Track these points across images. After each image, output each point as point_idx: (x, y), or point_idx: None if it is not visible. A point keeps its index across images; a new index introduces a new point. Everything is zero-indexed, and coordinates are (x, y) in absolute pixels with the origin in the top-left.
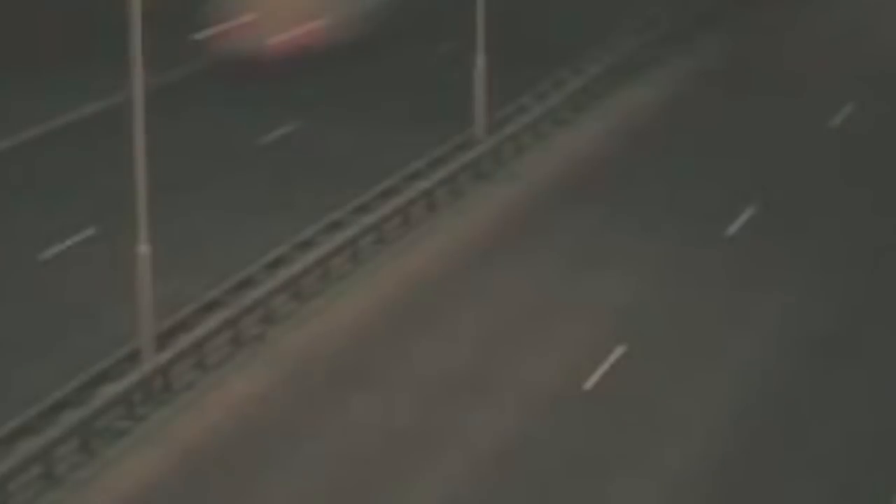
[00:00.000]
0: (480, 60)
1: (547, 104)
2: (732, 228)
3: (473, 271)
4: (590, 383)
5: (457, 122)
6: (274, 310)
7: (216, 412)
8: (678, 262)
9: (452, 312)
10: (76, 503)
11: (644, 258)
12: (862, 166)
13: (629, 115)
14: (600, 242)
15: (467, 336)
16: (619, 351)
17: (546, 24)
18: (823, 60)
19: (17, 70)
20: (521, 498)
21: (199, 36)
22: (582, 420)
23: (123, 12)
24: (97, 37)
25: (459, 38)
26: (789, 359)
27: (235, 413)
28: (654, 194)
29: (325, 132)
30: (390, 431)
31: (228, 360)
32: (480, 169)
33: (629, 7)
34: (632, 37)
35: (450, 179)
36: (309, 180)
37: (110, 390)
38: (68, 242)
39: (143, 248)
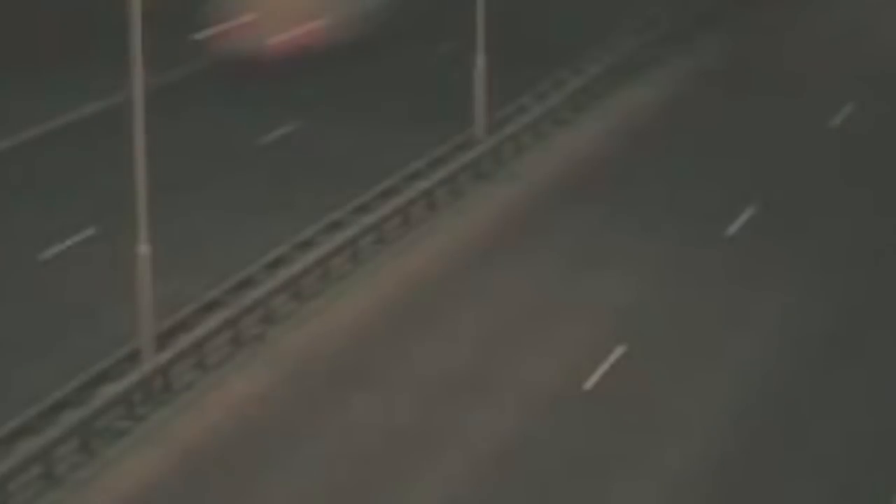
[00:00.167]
0: (480, 60)
1: (547, 104)
2: (732, 228)
3: (473, 271)
4: (590, 383)
5: (457, 122)
6: (274, 310)
7: (216, 412)
8: (678, 262)
9: (452, 312)
10: (76, 503)
11: (644, 258)
12: (862, 166)
13: (629, 115)
14: (600, 242)
15: (467, 336)
16: (619, 351)
17: (546, 24)
18: (823, 60)
19: (17, 70)
20: (521, 498)
21: (200, 36)
22: (582, 420)
23: (123, 12)
24: (97, 37)
25: (459, 38)
26: (789, 359)
27: (235, 413)
28: (654, 194)
29: (325, 132)
30: (390, 431)
31: (228, 360)
32: (480, 169)
33: (629, 7)
34: (632, 37)
35: (450, 179)
36: (309, 180)
37: (110, 390)
38: (68, 242)
39: (143, 248)
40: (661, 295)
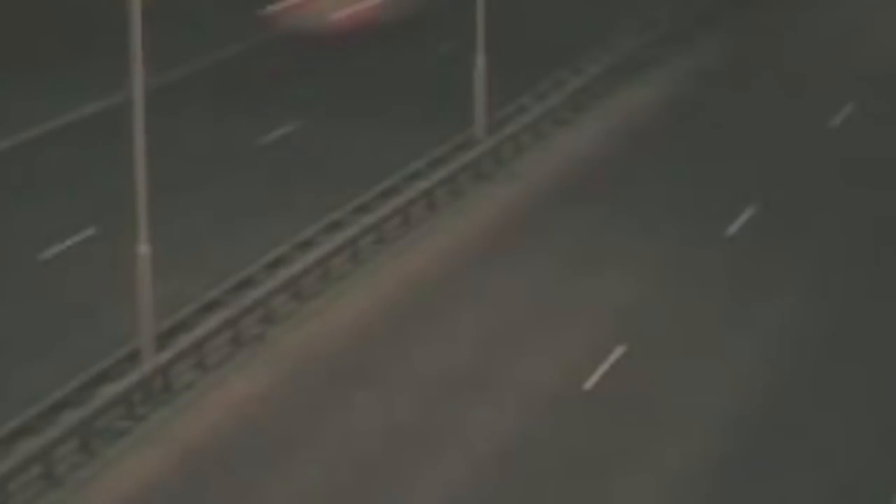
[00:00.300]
0: (480, 60)
1: (547, 104)
2: (732, 228)
3: (473, 271)
4: (590, 383)
5: (457, 122)
6: (274, 310)
7: (216, 412)
8: (678, 262)
9: (453, 312)
10: (76, 503)
11: (644, 258)
12: (862, 166)
13: (629, 115)
14: (600, 242)
15: (467, 336)
16: (619, 351)
17: (546, 24)
18: (823, 60)
19: (17, 70)
20: (521, 498)
21: (265, 12)
22: (582, 420)
23: (124, 10)
24: (97, 35)
25: (459, 38)
26: (789, 359)
27: (235, 413)
28: (653, 194)
29: (325, 132)
30: (390, 431)
31: (228, 360)
32: (480, 169)
33: (629, 7)
34: (632, 37)
35: (450, 179)
36: (309, 180)
37: (110, 390)
38: (68, 242)
39: (143, 248)
40: (662, 295)
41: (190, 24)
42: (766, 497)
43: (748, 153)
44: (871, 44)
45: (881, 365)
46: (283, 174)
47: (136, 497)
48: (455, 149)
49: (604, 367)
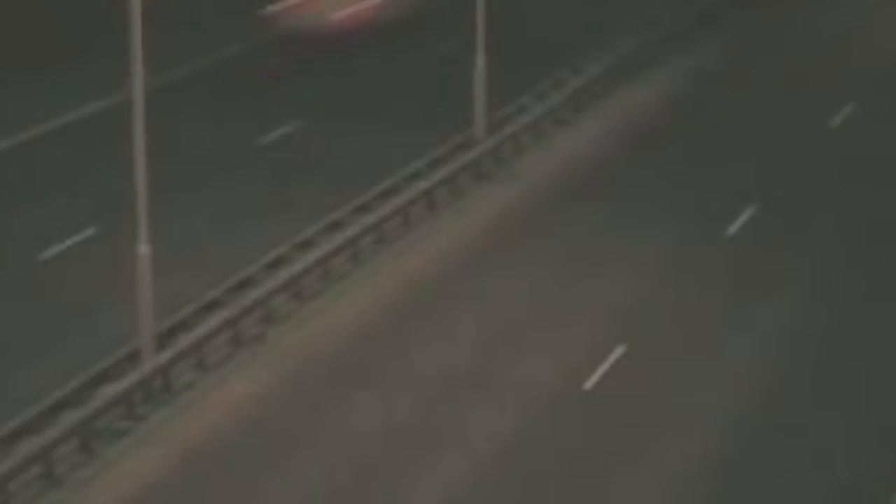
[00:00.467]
0: (480, 60)
1: (547, 104)
2: (732, 228)
3: (473, 271)
4: (590, 383)
5: (457, 122)
6: (274, 310)
7: (216, 412)
8: (678, 262)
9: (453, 312)
10: (76, 503)
11: (644, 258)
12: (862, 166)
13: (629, 115)
14: (600, 242)
15: (467, 336)
16: (619, 351)
17: (546, 24)
18: (823, 60)
19: (17, 70)
20: (521, 498)
21: (265, 12)
22: (582, 420)
23: (124, 10)
24: (97, 35)
25: (459, 38)
26: (789, 359)
27: (235, 413)
28: (653, 194)
29: (325, 132)
30: (390, 431)
31: (228, 360)
32: (480, 169)
33: (629, 7)
34: (632, 37)
35: (450, 179)
36: (309, 180)
37: (110, 390)
38: (68, 242)
39: (143, 248)
40: (661, 295)
41: (190, 24)
42: (766, 497)
43: (748, 153)
44: (872, 44)
45: (881, 365)
46: (283, 174)
47: (136, 497)
48: (455, 149)
49: (604, 367)
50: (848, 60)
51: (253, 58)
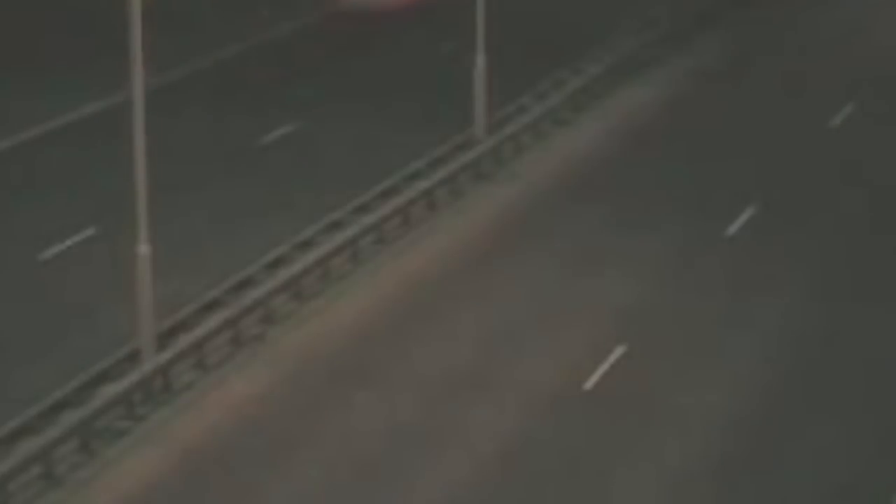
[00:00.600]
0: (480, 60)
1: (547, 104)
2: (732, 228)
3: (473, 271)
4: (590, 383)
5: (457, 122)
6: (274, 310)
7: (216, 412)
8: (678, 262)
9: (453, 312)
10: (76, 503)
11: (644, 258)
12: (862, 166)
13: (629, 115)
14: (600, 242)
15: (468, 336)
16: (619, 351)
17: (546, 24)
18: (823, 60)
19: (17, 70)
20: (521, 497)
21: None
22: (582, 420)
23: (124, 10)
24: (97, 36)
25: (459, 38)
26: (789, 359)
27: (235, 413)
28: (653, 194)
29: (325, 132)
30: (391, 431)
31: (228, 360)
32: (480, 169)
33: (629, 7)
34: (632, 37)
35: (450, 179)
36: (309, 180)
37: (110, 390)
38: (68, 242)
39: (143, 248)
40: (661, 295)
41: (190, 24)
42: (765, 497)
43: (748, 153)
44: (872, 44)
45: (881, 365)
46: (283, 174)
47: (137, 497)
48: (455, 149)
49: (604, 367)
50: (848, 60)
51: (253, 58)
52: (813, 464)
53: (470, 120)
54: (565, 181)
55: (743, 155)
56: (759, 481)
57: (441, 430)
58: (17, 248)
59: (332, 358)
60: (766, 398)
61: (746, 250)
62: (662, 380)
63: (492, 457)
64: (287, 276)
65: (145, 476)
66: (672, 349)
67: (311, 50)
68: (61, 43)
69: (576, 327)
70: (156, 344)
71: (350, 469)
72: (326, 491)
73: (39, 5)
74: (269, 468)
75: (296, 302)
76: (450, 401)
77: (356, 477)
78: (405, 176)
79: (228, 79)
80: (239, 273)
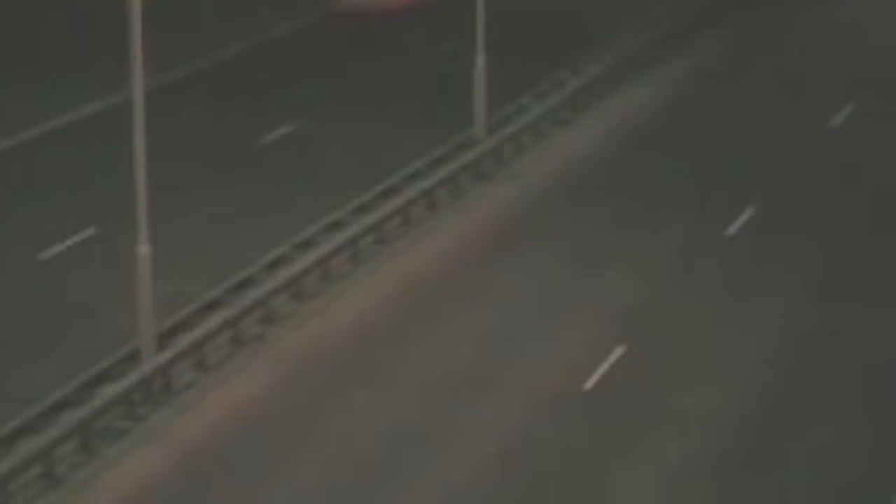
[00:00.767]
0: (480, 60)
1: (547, 104)
2: (732, 228)
3: (473, 271)
4: (590, 383)
5: (457, 122)
6: (274, 310)
7: (216, 412)
8: (678, 261)
9: (453, 312)
10: (76, 503)
11: (644, 258)
12: (862, 166)
13: (629, 115)
14: (600, 242)
15: (468, 336)
16: (619, 351)
17: (546, 24)
18: (823, 60)
19: (17, 70)
20: (522, 497)
21: None
22: (582, 419)
23: (124, 10)
24: (97, 36)
25: (459, 38)
26: (789, 359)
27: (235, 413)
28: (653, 194)
29: (325, 132)
30: (391, 431)
31: (228, 360)
32: (480, 169)
33: (629, 7)
34: (632, 36)
35: (450, 179)
36: (309, 180)
37: (110, 390)
38: (68, 242)
39: (143, 248)
40: (661, 295)
41: (190, 24)
42: (766, 497)
43: (748, 153)
44: (872, 44)
45: (881, 365)
46: (283, 174)
47: (137, 497)
48: (455, 149)
49: (604, 367)
50: (848, 60)
51: (253, 58)
52: (813, 464)
53: (470, 120)
54: (565, 181)
55: (743, 155)
56: (759, 481)
57: (441, 430)
58: (17, 248)
59: (332, 358)
60: (765, 398)
61: (746, 250)
62: (662, 380)
63: (492, 457)
64: (287, 276)
65: (145, 476)
66: (672, 349)
67: (311, 50)
68: (61, 43)
69: (576, 327)
70: (156, 344)
71: (350, 469)
72: (326, 491)
73: (39, 5)
74: (269, 468)
75: (296, 302)
76: (450, 401)
77: (356, 477)
78: (405, 176)
79: (228, 79)
80: (239, 273)
